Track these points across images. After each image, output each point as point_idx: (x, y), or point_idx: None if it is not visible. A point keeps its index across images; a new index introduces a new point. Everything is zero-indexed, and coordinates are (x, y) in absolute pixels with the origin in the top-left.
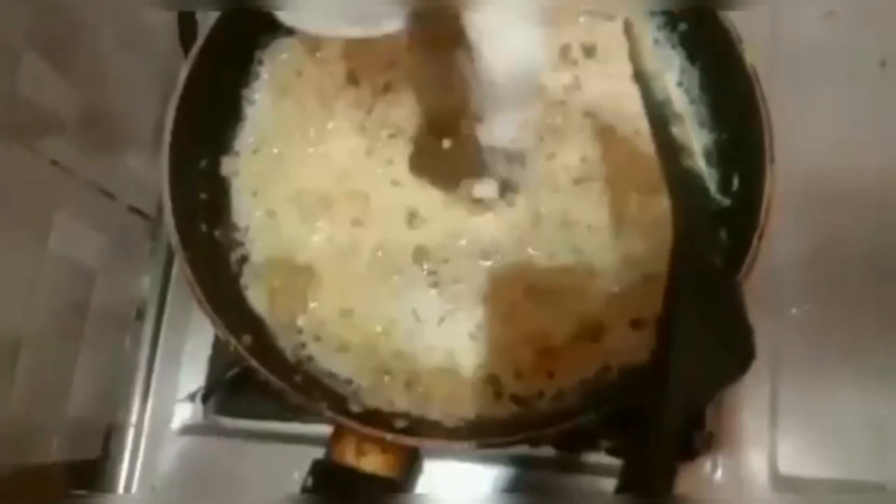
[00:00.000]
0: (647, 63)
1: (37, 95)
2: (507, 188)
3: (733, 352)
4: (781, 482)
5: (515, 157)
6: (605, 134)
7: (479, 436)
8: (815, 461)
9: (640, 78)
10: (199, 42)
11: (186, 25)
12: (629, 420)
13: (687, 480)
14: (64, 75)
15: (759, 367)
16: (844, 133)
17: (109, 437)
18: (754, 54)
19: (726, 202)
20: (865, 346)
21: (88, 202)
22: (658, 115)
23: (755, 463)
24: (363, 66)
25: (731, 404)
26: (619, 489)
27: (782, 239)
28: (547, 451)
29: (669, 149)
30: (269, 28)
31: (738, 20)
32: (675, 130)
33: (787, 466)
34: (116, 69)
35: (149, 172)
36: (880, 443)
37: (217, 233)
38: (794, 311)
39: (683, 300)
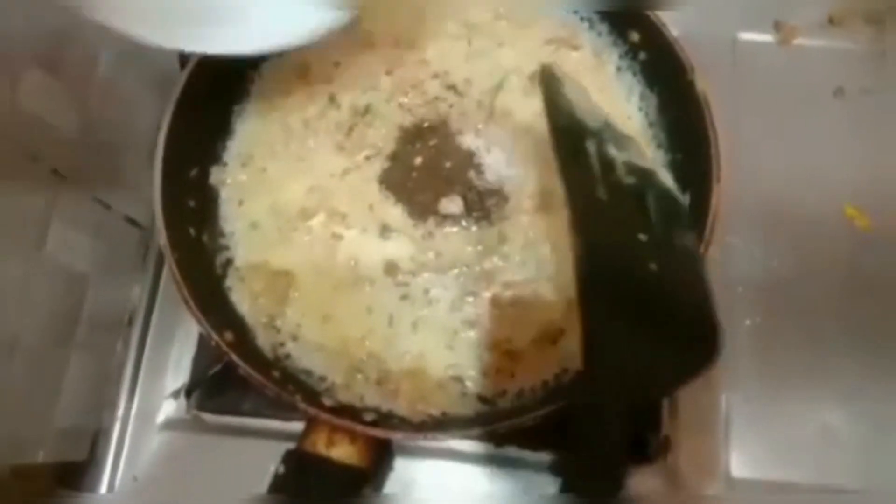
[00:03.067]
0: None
1: (38, 107)
2: (474, 208)
3: (679, 349)
4: (734, 485)
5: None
6: None
7: (444, 429)
8: (767, 465)
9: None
10: (196, 56)
11: None
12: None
13: (641, 482)
14: (64, 88)
15: (714, 374)
16: (801, 154)
17: (97, 439)
18: (707, 82)
19: None
20: (815, 356)
21: (85, 211)
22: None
23: (709, 466)
24: (345, 89)
25: (686, 409)
26: (563, 489)
27: (737, 254)
28: (512, 450)
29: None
30: None
31: (699, 50)
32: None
33: (739, 470)
34: (115, 81)
35: (144, 183)
36: (829, 448)
37: (204, 237)
38: (747, 322)
39: (597, 308)
